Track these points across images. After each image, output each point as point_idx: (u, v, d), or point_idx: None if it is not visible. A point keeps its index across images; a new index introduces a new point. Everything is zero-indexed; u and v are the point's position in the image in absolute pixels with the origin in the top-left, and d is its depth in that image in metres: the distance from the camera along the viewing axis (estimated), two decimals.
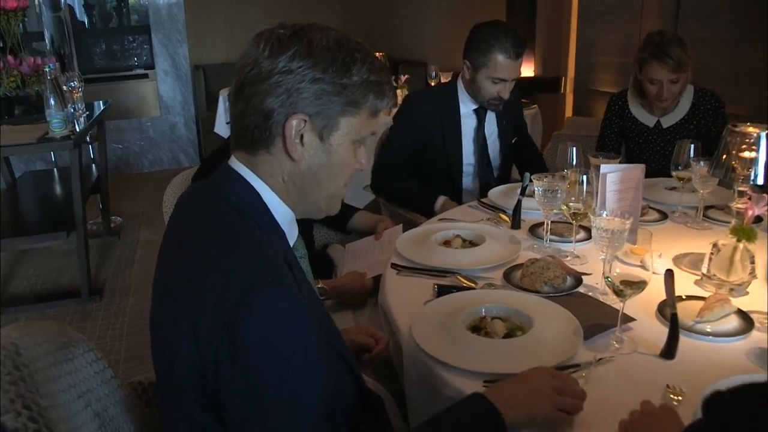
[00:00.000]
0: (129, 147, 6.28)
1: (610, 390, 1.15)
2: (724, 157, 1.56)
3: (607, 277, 1.26)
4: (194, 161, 6.40)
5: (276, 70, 0.95)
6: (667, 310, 1.34)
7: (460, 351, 1.23)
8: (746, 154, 1.52)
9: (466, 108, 2.52)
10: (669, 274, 1.24)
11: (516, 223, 1.98)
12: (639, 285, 1.23)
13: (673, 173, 2.07)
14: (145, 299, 3.60)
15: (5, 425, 0.84)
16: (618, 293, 1.25)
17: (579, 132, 4.43)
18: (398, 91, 4.61)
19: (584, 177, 1.67)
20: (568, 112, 5.99)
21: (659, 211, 2.09)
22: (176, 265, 0.99)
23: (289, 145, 0.99)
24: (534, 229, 1.95)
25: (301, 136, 0.99)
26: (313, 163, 1.01)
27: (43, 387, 0.99)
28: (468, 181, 2.61)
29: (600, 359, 1.22)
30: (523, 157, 2.77)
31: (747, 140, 1.51)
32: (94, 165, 4.69)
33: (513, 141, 2.67)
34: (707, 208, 2.04)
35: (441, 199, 2.40)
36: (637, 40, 5.00)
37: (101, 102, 4.43)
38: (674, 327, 1.22)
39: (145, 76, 6.26)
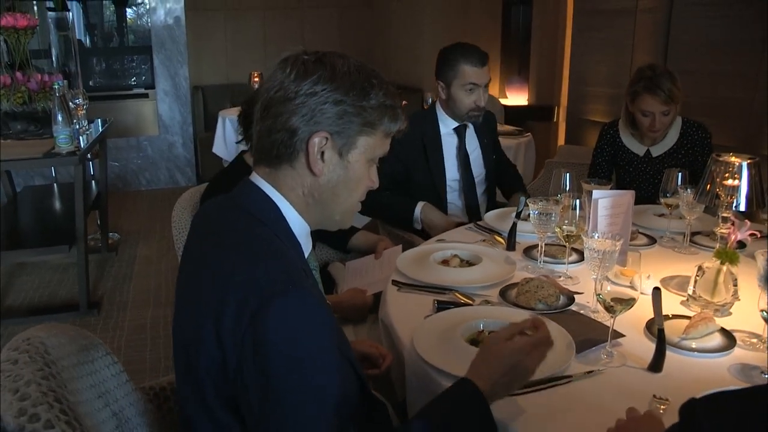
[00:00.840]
0: (127, 165, 6.34)
1: (599, 401, 1.23)
2: (709, 185, 1.65)
3: (599, 294, 1.34)
4: (191, 181, 6.47)
5: (301, 92, 1.04)
6: (655, 326, 1.42)
7: (458, 361, 1.30)
8: (730, 182, 1.61)
9: (446, 128, 2.67)
10: (656, 293, 1.32)
11: (511, 245, 2.06)
12: (628, 302, 1.31)
13: (662, 200, 2.17)
14: (143, 313, 3.65)
15: (40, 415, 0.90)
16: (609, 309, 1.33)
17: (571, 159, 4.55)
18: None
19: (577, 201, 1.76)
20: (561, 140, 6.12)
21: (648, 236, 2.18)
22: (201, 272, 1.06)
23: (311, 160, 1.07)
24: (528, 251, 2.03)
25: (322, 153, 1.07)
26: (332, 178, 1.10)
27: (70, 384, 1.06)
28: (454, 196, 2.74)
29: (590, 371, 1.29)
30: (500, 172, 2.89)
31: (730, 169, 1.60)
32: (94, 182, 4.75)
33: (494, 157, 2.79)
34: (694, 234, 2.13)
35: (420, 204, 2.55)
36: (627, 73, 5.14)
37: (100, 120, 4.50)
38: (661, 342, 1.29)
39: (145, 95, 6.35)
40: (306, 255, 1.18)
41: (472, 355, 1.32)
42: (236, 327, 0.94)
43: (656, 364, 1.30)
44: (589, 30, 5.58)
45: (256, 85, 5.67)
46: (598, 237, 1.54)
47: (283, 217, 1.11)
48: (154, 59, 6.25)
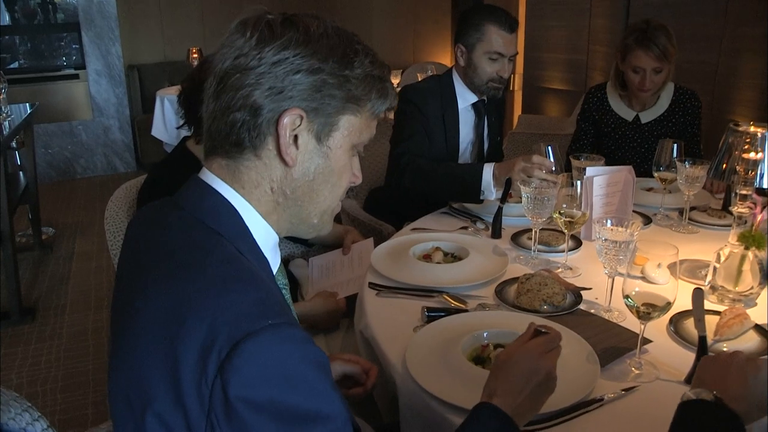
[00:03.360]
0: (59, 152, 5.86)
1: (639, 425, 1.02)
2: (726, 159, 1.46)
3: (627, 297, 1.13)
4: (131, 166, 6.05)
5: (266, 60, 0.81)
6: (686, 328, 1.23)
7: (464, 388, 1.07)
8: (751, 155, 1.42)
9: (465, 102, 2.34)
10: (698, 293, 1.12)
11: (497, 232, 1.84)
12: (664, 308, 1.10)
13: (656, 174, 1.98)
14: (84, 318, 3.32)
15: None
16: (642, 317, 1.12)
17: (533, 130, 4.37)
18: None
19: (578, 182, 1.55)
20: (518, 109, 5.95)
21: (642, 215, 1.99)
22: (143, 306, 0.79)
23: (282, 145, 0.83)
24: (516, 238, 1.81)
25: (295, 137, 0.84)
26: (308, 169, 0.86)
27: None
28: None
29: (624, 391, 1.08)
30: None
31: (751, 140, 1.41)
32: (21, 172, 4.33)
33: (498, 139, 2.54)
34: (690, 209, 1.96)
35: (489, 167, 2.00)
36: (586, 37, 4.99)
37: (27, 105, 4.09)
38: (703, 352, 1.09)
39: (76, 76, 5.86)
40: (274, 271, 0.92)
41: (481, 378, 1.10)
42: (201, 381, 0.70)
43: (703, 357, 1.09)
44: None
45: (195, 62, 5.30)
46: (611, 225, 1.32)
47: (246, 226, 0.86)
48: (83, 37, 5.76)
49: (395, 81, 5.21)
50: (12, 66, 5.89)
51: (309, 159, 0.86)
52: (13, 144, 4.10)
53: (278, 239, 0.92)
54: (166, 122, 4.97)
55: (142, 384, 0.74)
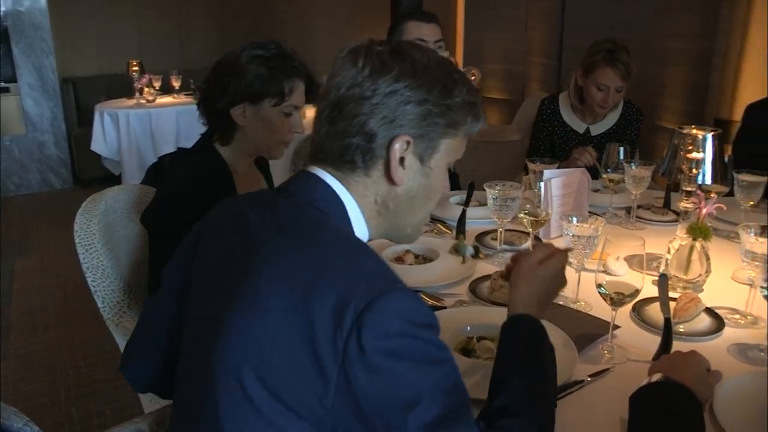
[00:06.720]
0: None
1: (615, 403, 1.12)
2: (673, 158, 1.60)
3: (601, 286, 1.23)
4: (67, 183, 5.87)
5: (380, 91, 0.91)
6: (647, 313, 1.35)
7: None
8: (694, 155, 1.56)
9: None
10: (663, 279, 1.23)
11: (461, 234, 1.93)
12: (633, 294, 1.21)
13: (604, 175, 2.12)
14: (30, 339, 3.21)
15: None
16: (615, 303, 1.22)
17: (475, 137, 4.51)
18: None
19: (541, 184, 1.65)
20: None
21: (593, 214, 2.11)
22: (259, 280, 0.85)
23: (392, 168, 0.95)
24: (481, 239, 1.90)
25: (402, 159, 0.95)
26: (411, 186, 0.98)
27: None
28: None
29: (600, 372, 1.18)
30: None
31: (694, 142, 1.55)
32: None
33: None
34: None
35: None
36: (523, 49, 5.20)
37: None
38: (668, 332, 1.21)
39: (6, 89, 5.65)
40: None
41: (470, 367, 1.18)
42: (335, 334, 0.77)
43: (663, 356, 1.21)
44: (482, 6, 5.59)
45: (136, 75, 5.22)
46: (576, 221, 1.43)
47: (349, 218, 0.96)
48: (12, 49, 5.57)
49: None
50: None
51: (412, 178, 0.97)
52: None
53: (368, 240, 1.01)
54: (106, 136, 4.87)
55: (274, 343, 0.81)
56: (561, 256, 1.14)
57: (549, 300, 1.12)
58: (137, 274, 1.76)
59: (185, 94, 5.35)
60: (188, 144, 1.83)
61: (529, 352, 1.00)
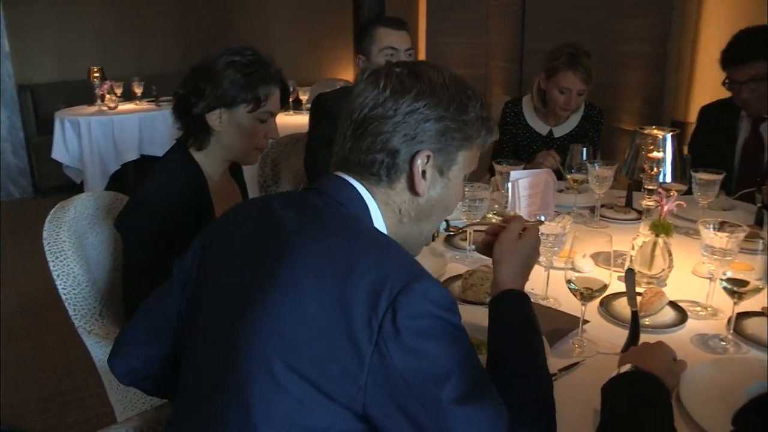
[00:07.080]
0: None
1: (586, 395, 1.16)
2: (635, 158, 1.66)
3: (570, 282, 1.28)
4: (27, 192, 5.75)
5: (401, 110, 0.99)
6: (614, 308, 1.40)
7: None
8: (654, 155, 1.62)
9: None
10: (630, 274, 1.28)
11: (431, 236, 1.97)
12: (601, 289, 1.26)
13: (568, 176, 2.18)
14: (17, 346, 3.13)
15: None
16: (585, 297, 1.26)
17: None
18: None
19: (509, 185, 1.70)
20: None
21: (558, 213, 2.18)
22: (291, 270, 0.90)
23: (416, 181, 1.02)
24: (449, 240, 1.94)
25: (423, 172, 1.02)
26: (432, 196, 1.06)
27: None
28: None
29: (572, 366, 1.22)
30: None
31: (655, 142, 1.61)
32: None
33: None
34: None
35: None
36: (484, 53, 5.28)
37: None
38: (636, 324, 1.26)
39: None
40: None
41: None
42: (371, 316, 0.84)
43: (631, 347, 1.25)
44: (442, 11, 5.65)
45: (97, 81, 5.14)
46: (546, 220, 1.48)
47: (372, 220, 1.03)
48: None
49: (304, 98, 5.26)
50: None
51: (432, 189, 1.05)
52: None
53: None
54: (68, 144, 4.78)
55: (309, 326, 0.86)
56: (535, 228, 1.22)
57: (529, 272, 1.19)
58: (109, 281, 1.75)
59: (147, 101, 5.29)
60: (151, 151, 1.83)
61: (526, 322, 1.08)
